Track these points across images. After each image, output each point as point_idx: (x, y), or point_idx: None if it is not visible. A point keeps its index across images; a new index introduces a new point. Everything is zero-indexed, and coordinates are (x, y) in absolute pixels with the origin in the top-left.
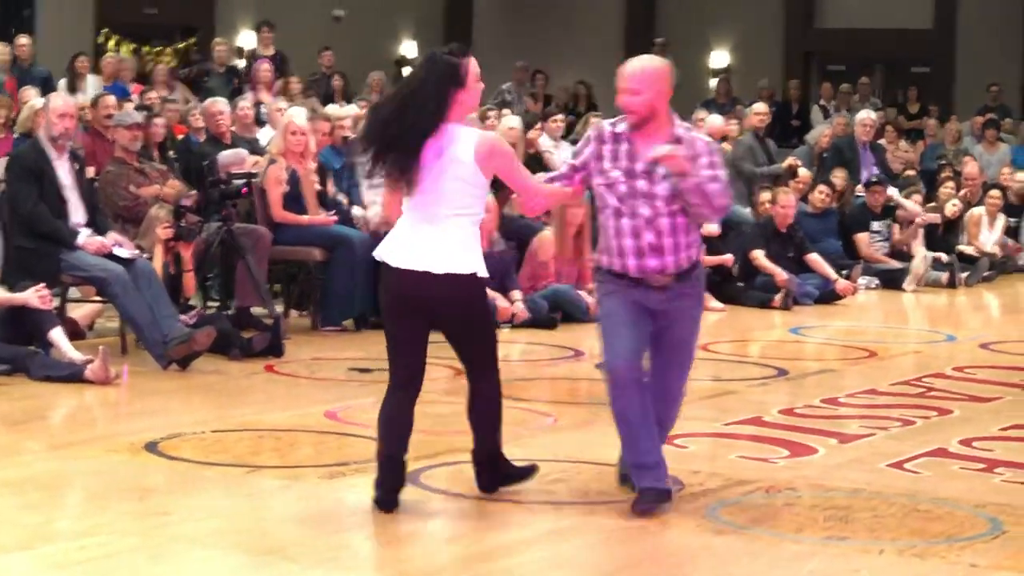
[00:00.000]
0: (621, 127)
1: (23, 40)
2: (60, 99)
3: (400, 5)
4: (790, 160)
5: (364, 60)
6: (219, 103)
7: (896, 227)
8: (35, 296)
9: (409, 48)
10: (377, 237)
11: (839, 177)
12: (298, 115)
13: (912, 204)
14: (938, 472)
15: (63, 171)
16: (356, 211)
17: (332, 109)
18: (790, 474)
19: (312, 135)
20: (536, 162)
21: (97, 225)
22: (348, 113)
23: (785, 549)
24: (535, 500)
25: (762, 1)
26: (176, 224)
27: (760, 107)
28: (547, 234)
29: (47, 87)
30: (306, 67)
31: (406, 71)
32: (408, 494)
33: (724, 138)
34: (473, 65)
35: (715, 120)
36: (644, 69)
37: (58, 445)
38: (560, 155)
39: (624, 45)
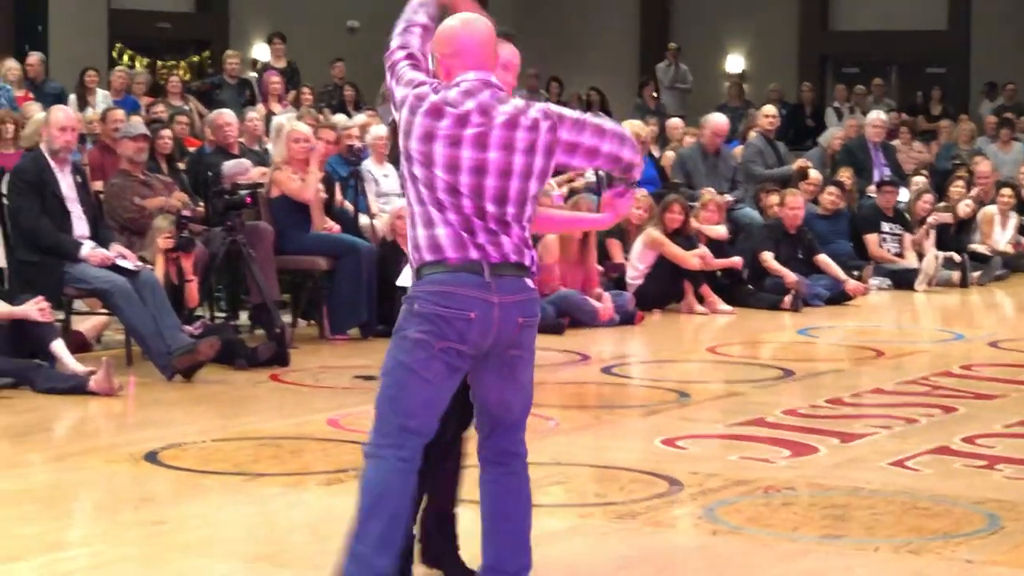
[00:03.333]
0: None
1: (33, 57)
2: (61, 112)
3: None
4: (800, 162)
5: (378, 71)
6: (226, 115)
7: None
8: (35, 309)
9: None
10: (384, 246)
11: (845, 176)
12: (298, 122)
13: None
14: (939, 470)
15: (66, 184)
16: (363, 220)
17: (339, 119)
18: (790, 474)
19: (318, 144)
20: None
21: (100, 237)
22: (355, 122)
23: (780, 548)
24: (533, 503)
25: (776, 5)
26: (177, 234)
27: (769, 109)
28: (551, 238)
29: (60, 102)
30: (319, 78)
31: None
32: None
33: (742, 139)
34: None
35: (718, 119)
36: None
37: (59, 456)
38: None
39: (639, 51)
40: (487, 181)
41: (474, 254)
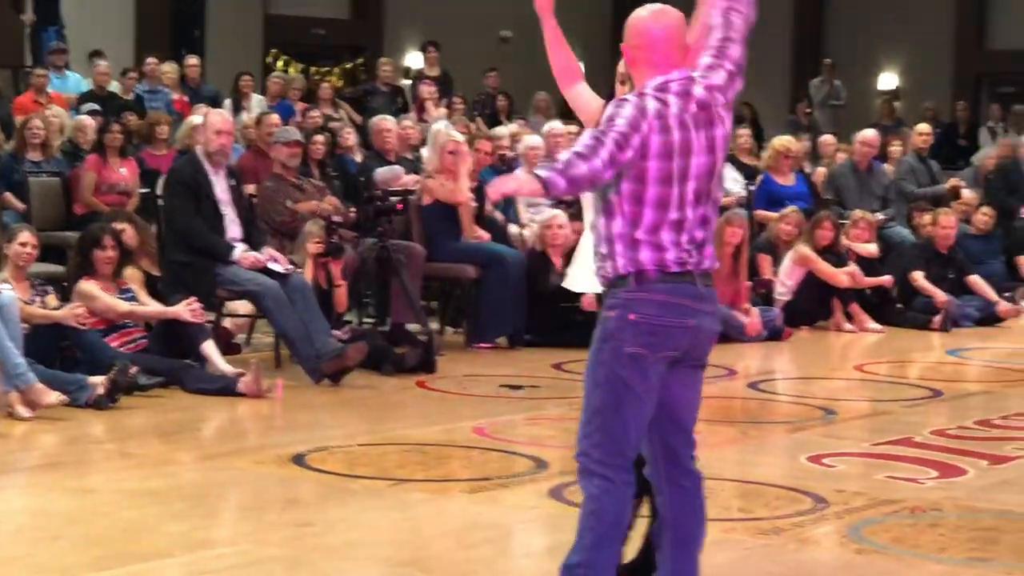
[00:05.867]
0: None
1: (192, 60)
2: (218, 116)
3: (568, 27)
4: (953, 181)
5: (530, 81)
6: (387, 121)
7: None
8: (187, 310)
9: None
10: (532, 255)
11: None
12: (454, 132)
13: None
14: None
15: (220, 187)
16: (512, 229)
17: (494, 130)
18: (938, 495)
19: (473, 154)
20: None
21: (252, 240)
22: (506, 132)
23: (925, 569)
24: None
25: (932, 22)
26: (327, 240)
27: (923, 127)
28: None
29: (215, 106)
30: (472, 87)
31: None
32: (548, 508)
33: (883, 157)
34: None
35: (867, 132)
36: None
37: (207, 456)
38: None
39: (791, 67)
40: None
41: (691, 261)
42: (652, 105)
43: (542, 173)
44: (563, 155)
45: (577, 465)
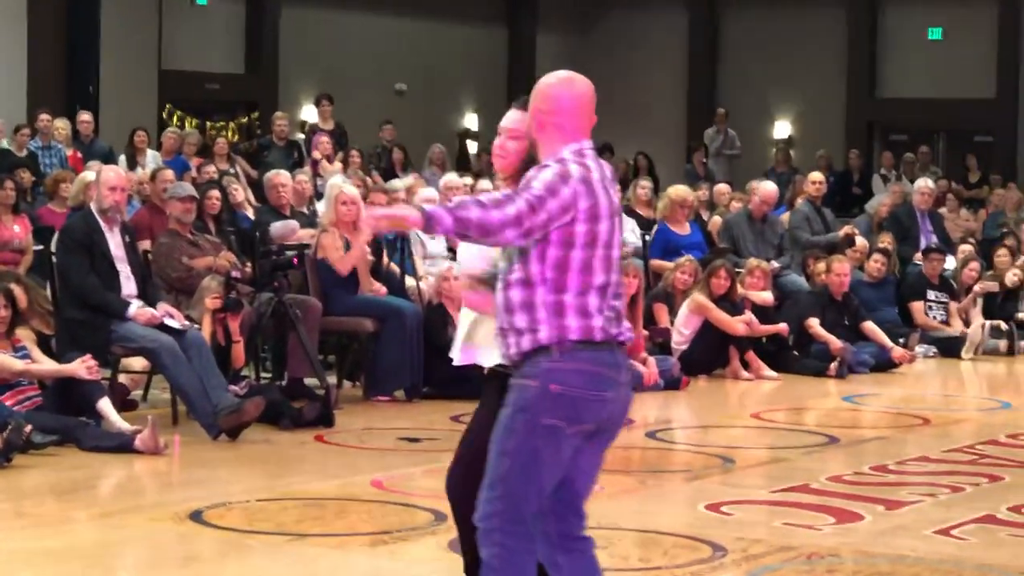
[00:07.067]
0: None
1: (85, 116)
2: (111, 172)
3: (463, 79)
4: (846, 229)
5: (426, 133)
6: (281, 175)
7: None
8: (83, 367)
9: (471, 121)
10: (430, 308)
11: (886, 242)
12: (348, 185)
13: None
14: (985, 539)
15: (114, 243)
16: (409, 282)
17: (389, 183)
18: (835, 540)
19: (368, 208)
20: None
21: (147, 296)
22: (402, 185)
23: None
24: None
25: (824, 71)
26: (225, 295)
27: (816, 176)
28: None
29: (109, 162)
30: (367, 140)
31: (470, 144)
32: (448, 561)
33: (777, 205)
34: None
35: (768, 187)
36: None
37: (104, 514)
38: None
39: (686, 116)
40: (614, 252)
41: (612, 330)
42: (576, 170)
43: (427, 207)
44: (460, 198)
45: (479, 528)
